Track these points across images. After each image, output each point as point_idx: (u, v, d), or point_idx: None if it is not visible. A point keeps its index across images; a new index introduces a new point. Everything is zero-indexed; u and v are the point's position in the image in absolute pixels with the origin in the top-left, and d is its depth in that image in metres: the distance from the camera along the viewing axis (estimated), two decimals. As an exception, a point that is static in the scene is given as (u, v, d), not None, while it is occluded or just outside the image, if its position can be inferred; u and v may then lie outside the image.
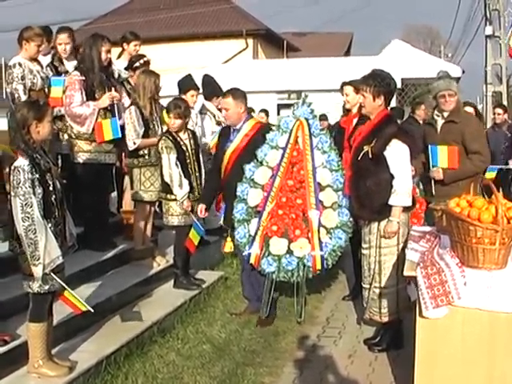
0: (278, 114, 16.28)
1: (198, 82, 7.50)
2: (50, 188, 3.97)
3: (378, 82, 4.75)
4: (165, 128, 6.29)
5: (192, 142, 6.13)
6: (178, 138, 6.01)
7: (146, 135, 6.17)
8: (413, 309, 4.04)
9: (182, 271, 6.18)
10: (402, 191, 4.66)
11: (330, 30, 34.10)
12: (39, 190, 3.85)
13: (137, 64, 6.71)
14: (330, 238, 5.41)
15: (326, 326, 5.57)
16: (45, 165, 3.95)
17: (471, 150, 5.40)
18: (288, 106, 6.61)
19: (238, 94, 5.58)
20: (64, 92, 5.89)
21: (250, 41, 25.30)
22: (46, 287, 3.94)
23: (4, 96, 5.99)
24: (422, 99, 13.05)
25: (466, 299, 3.55)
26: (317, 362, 4.80)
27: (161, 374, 4.53)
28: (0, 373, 4.07)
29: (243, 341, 5.15)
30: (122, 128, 6.06)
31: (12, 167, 3.81)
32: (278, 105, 17.41)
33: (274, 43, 26.01)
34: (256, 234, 5.41)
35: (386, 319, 4.88)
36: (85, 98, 5.96)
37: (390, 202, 4.68)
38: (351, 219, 5.42)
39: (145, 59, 6.77)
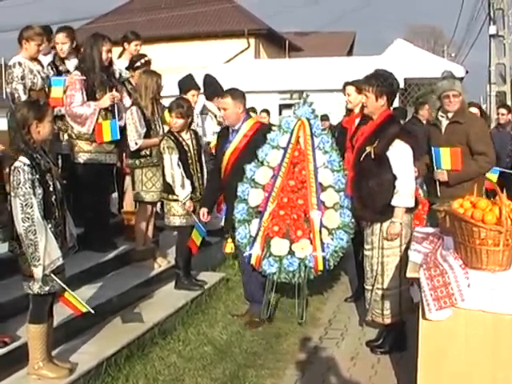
0: (280, 114, 16.26)
1: (199, 81, 7.47)
2: (51, 188, 3.95)
3: (381, 81, 4.72)
4: (166, 128, 6.26)
5: (194, 142, 6.10)
6: (180, 138, 5.98)
7: (147, 135, 6.14)
8: (416, 310, 4.02)
9: (184, 272, 6.16)
10: (405, 192, 4.63)
11: (331, 29, 34.04)
12: (39, 191, 3.83)
13: (138, 64, 6.68)
14: (332, 239, 5.38)
15: (328, 328, 5.55)
16: (45, 165, 3.93)
17: (476, 151, 5.36)
18: (290, 106, 6.59)
19: (237, 94, 5.55)
20: (65, 92, 5.89)
21: (252, 40, 25.24)
22: (46, 288, 3.92)
23: (4, 96, 5.97)
24: (426, 99, 13.00)
25: (469, 301, 3.54)
26: (319, 364, 4.78)
27: (162, 375, 4.51)
28: (0, 374, 4.04)
29: (245, 342, 5.13)
30: (122, 129, 6.04)
31: (12, 167, 3.79)
32: (280, 105, 17.40)
33: (275, 43, 25.96)
34: (257, 234, 5.38)
35: (388, 321, 4.86)
36: (85, 98, 5.94)
37: (393, 203, 4.66)
38: (353, 220, 5.39)
39: (146, 59, 6.75)
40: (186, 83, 7.14)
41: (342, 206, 5.41)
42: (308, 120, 5.57)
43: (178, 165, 5.90)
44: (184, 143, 5.99)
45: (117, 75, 6.53)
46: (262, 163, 5.49)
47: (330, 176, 5.47)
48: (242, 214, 5.44)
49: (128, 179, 6.83)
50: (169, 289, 6.16)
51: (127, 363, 4.59)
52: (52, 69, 6.32)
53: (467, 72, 17.39)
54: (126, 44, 7.05)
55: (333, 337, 5.31)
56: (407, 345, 4.81)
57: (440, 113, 5.57)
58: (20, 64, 5.82)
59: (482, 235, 3.44)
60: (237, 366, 4.66)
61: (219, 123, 7.61)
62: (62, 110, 6.09)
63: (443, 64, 16.09)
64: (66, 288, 4.00)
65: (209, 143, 7.38)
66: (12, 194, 3.78)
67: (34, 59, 5.96)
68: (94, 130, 5.97)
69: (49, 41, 6.38)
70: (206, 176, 6.14)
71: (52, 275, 3.88)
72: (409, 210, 4.74)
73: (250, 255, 5.37)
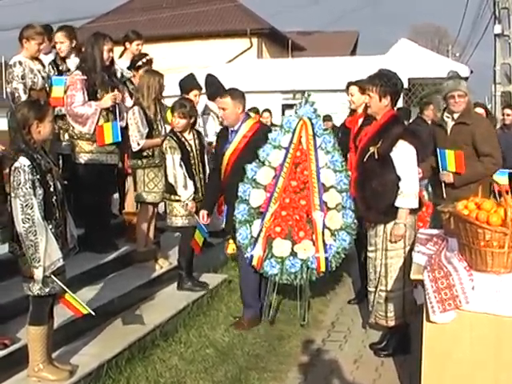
0: (283, 114, 16.23)
1: (201, 81, 7.45)
2: (51, 189, 3.93)
3: (385, 81, 4.70)
4: (168, 128, 6.23)
5: (197, 142, 6.08)
6: (183, 139, 5.96)
7: (149, 136, 6.12)
8: (419, 313, 3.99)
9: (186, 273, 6.13)
10: (409, 193, 4.61)
11: (333, 29, 34.03)
12: (40, 191, 3.81)
13: (139, 63, 6.68)
14: (335, 240, 5.35)
15: (331, 330, 5.52)
16: (45, 165, 3.91)
17: (482, 153, 5.30)
18: (293, 106, 6.58)
19: (237, 94, 5.51)
20: (65, 92, 5.87)
21: (255, 40, 25.23)
22: (47, 290, 3.90)
23: (4, 96, 5.95)
24: (430, 99, 12.98)
25: (474, 303, 3.51)
26: (322, 366, 4.75)
27: (163, 378, 4.48)
28: (0, 376, 4.02)
29: (247, 345, 5.10)
30: (123, 130, 6.01)
31: (12, 168, 3.77)
32: (283, 105, 17.37)
33: (278, 42, 25.95)
34: (259, 235, 5.34)
35: (392, 323, 4.83)
36: (86, 98, 5.91)
37: (397, 204, 4.63)
38: (355, 221, 5.37)
39: (147, 58, 6.74)
40: (188, 83, 7.12)
41: (345, 207, 5.38)
42: (310, 120, 5.53)
43: (181, 165, 5.88)
44: (186, 143, 5.97)
45: (118, 75, 6.51)
46: (263, 163, 5.45)
47: (332, 176, 5.43)
48: (243, 214, 5.39)
49: (130, 180, 6.81)
50: (170, 290, 6.13)
51: (128, 365, 4.56)
52: (53, 68, 6.29)
53: (472, 72, 17.35)
54: (127, 43, 7.01)
55: (336, 339, 5.28)
56: (411, 347, 4.77)
57: (446, 113, 5.52)
58: (20, 63, 5.80)
59: (487, 237, 3.41)
60: (239, 369, 4.63)
61: (221, 123, 7.58)
62: (63, 110, 6.07)
63: (448, 64, 16.05)
64: (67, 289, 3.98)
65: (211, 143, 7.36)
66: (12, 194, 3.76)
67: (35, 58, 5.93)
68: (95, 130, 5.95)
69: (50, 40, 6.35)
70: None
71: (52, 276, 3.86)
72: (413, 212, 4.72)
73: (252, 256, 5.33)
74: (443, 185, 5.41)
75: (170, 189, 5.97)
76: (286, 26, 29.58)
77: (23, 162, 3.76)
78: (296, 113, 5.61)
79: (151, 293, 5.96)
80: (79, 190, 6.04)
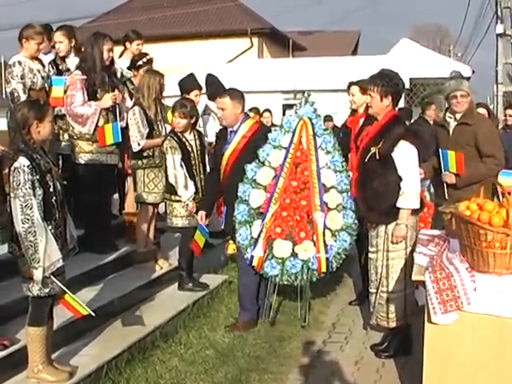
0: (284, 114, 16.18)
1: (202, 81, 7.42)
2: (51, 189, 3.92)
3: (386, 81, 4.68)
4: (168, 128, 6.21)
5: (198, 142, 6.07)
6: (184, 139, 5.95)
7: (149, 136, 6.11)
8: (421, 314, 3.97)
9: (187, 273, 6.12)
10: (410, 193, 4.59)
11: (334, 28, 33.96)
12: (39, 192, 3.80)
13: (140, 62, 6.66)
14: (335, 241, 5.33)
15: (332, 332, 5.50)
16: (45, 165, 3.91)
17: (485, 153, 5.27)
18: (294, 106, 6.56)
19: (236, 95, 5.47)
20: (65, 92, 5.86)
21: (255, 40, 25.17)
22: (46, 290, 3.89)
23: (4, 96, 5.94)
24: (432, 99, 12.97)
25: (475, 305, 3.50)
26: (322, 368, 4.73)
27: (163, 379, 4.47)
28: (-1, 378, 4.02)
29: (247, 346, 5.08)
30: (123, 130, 6.00)
31: (12, 168, 3.76)
32: (284, 105, 17.34)
33: (279, 42, 25.89)
34: (259, 236, 5.31)
35: (393, 324, 4.81)
36: (86, 98, 5.90)
37: (398, 205, 4.61)
38: (356, 221, 5.35)
39: (148, 57, 6.73)
40: (188, 83, 7.11)
41: (345, 207, 5.36)
42: (310, 120, 5.50)
43: (181, 165, 5.87)
44: (187, 143, 5.95)
45: (118, 75, 6.50)
46: (263, 163, 5.42)
47: (332, 177, 5.41)
48: (242, 215, 5.36)
49: (130, 180, 6.79)
50: (170, 291, 6.12)
51: (128, 366, 4.55)
52: (52, 67, 6.28)
53: (474, 72, 17.29)
54: (127, 43, 7.00)
55: (337, 340, 5.26)
56: (412, 349, 4.75)
57: (448, 113, 5.50)
58: (20, 63, 5.78)
59: (489, 238, 3.40)
60: (239, 370, 4.61)
61: (221, 124, 7.57)
62: (63, 110, 6.06)
63: (449, 64, 16.03)
64: (66, 290, 3.97)
65: (211, 144, 7.34)
66: (12, 194, 3.75)
67: (35, 58, 5.92)
68: (94, 130, 5.93)
69: (49, 40, 6.34)
70: (208, 177, 6.09)
71: (52, 277, 3.85)
72: (414, 212, 4.70)
73: (252, 257, 5.30)
74: (445, 185, 5.39)
75: (171, 189, 5.95)
76: (288, 26, 29.62)
77: (23, 162, 3.75)
78: (296, 113, 5.59)
79: (151, 294, 5.94)
80: (79, 191, 6.02)
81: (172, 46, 23.67)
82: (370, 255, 4.89)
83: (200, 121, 7.22)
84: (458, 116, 5.38)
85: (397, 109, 4.96)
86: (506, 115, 9.26)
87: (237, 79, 10.12)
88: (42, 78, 5.90)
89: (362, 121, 5.73)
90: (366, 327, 5.48)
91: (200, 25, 25.46)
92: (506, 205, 3.47)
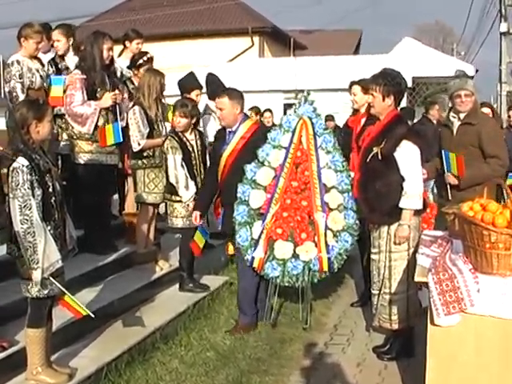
0: (285, 113, 16.19)
1: (202, 80, 7.39)
2: (50, 189, 3.90)
3: (388, 81, 4.65)
4: (168, 126, 6.19)
5: (199, 142, 6.05)
6: (184, 139, 5.93)
7: (150, 136, 6.08)
8: (424, 315, 3.94)
9: (188, 274, 6.09)
10: (413, 193, 4.55)
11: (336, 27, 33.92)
12: (38, 192, 3.79)
13: (141, 61, 6.64)
14: (337, 242, 5.30)
15: (334, 333, 5.47)
16: (44, 165, 3.89)
17: (489, 154, 5.23)
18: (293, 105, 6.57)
19: (235, 95, 5.41)
20: (65, 91, 5.83)
21: (256, 38, 25.08)
22: (45, 292, 3.87)
23: (2, 95, 5.91)
24: (434, 99, 12.92)
25: (479, 306, 3.46)
26: (324, 370, 4.71)
27: (163, 381, 4.45)
28: (-2, 380, 4.01)
29: (248, 348, 5.05)
30: (124, 130, 5.97)
31: (11, 168, 3.74)
32: (285, 104, 17.33)
33: (280, 41, 25.82)
34: (260, 237, 5.26)
35: (396, 326, 4.77)
36: (86, 98, 5.88)
37: (401, 205, 4.58)
38: (357, 222, 5.32)
39: (148, 56, 6.71)
40: (189, 82, 7.08)
41: (346, 208, 5.33)
42: (310, 119, 5.46)
43: (182, 165, 5.85)
44: (188, 143, 5.93)
45: (118, 74, 6.47)
46: (262, 163, 5.37)
47: (333, 176, 5.37)
48: (242, 216, 5.30)
49: (130, 180, 6.77)
50: (171, 292, 6.10)
51: (128, 368, 4.52)
52: (51, 66, 6.26)
53: (477, 71, 17.27)
54: (127, 42, 6.98)
55: (338, 342, 5.24)
56: (415, 351, 4.73)
57: (452, 113, 5.46)
58: (18, 62, 5.75)
59: (493, 239, 3.36)
60: (240, 372, 4.58)
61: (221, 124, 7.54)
62: (62, 110, 6.03)
63: (452, 63, 16.02)
64: (66, 291, 3.95)
65: (211, 144, 7.31)
66: (10, 195, 3.74)
67: (34, 57, 5.89)
68: (94, 130, 5.91)
69: (48, 39, 6.31)
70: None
71: (51, 278, 3.83)
72: (417, 213, 4.66)
73: (253, 258, 5.25)
74: (448, 186, 5.36)
75: (171, 189, 5.93)
76: (288, 26, 29.53)
77: (22, 162, 3.73)
78: (295, 112, 5.54)
79: (151, 295, 5.92)
80: (78, 191, 6.00)
81: (172, 45, 23.61)
82: (373, 256, 4.86)
83: (200, 121, 7.21)
84: (462, 116, 5.34)
85: (399, 108, 4.94)
86: (509, 116, 9.20)
87: (237, 78, 10.13)
88: (41, 77, 5.87)
89: (363, 120, 5.70)
90: (368, 329, 5.46)
91: (200, 23, 25.38)
92: (509, 205, 3.44)
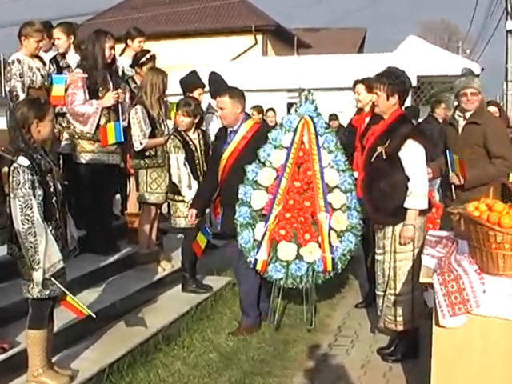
0: (289, 113, 16.15)
1: (205, 79, 7.36)
2: (51, 189, 3.89)
3: (393, 79, 4.61)
4: (170, 124, 6.16)
5: (202, 141, 6.02)
6: (187, 138, 5.90)
7: (152, 135, 6.05)
8: (429, 316, 3.91)
9: (190, 274, 6.07)
10: (418, 193, 4.52)
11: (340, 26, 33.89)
12: (39, 192, 3.77)
13: (143, 59, 6.62)
14: (341, 242, 5.27)
15: (338, 335, 5.44)
16: (45, 165, 3.88)
17: (494, 154, 5.17)
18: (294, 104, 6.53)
19: (236, 94, 5.36)
20: (66, 90, 5.82)
21: (260, 37, 25.00)
22: (47, 292, 3.86)
23: (3, 94, 5.89)
24: (439, 97, 12.88)
25: (485, 307, 3.43)
26: (328, 372, 4.68)
27: (166, 383, 4.43)
28: (-1, 381, 4.00)
29: (251, 349, 5.02)
30: (125, 129, 5.95)
31: (11, 168, 3.73)
32: (288, 103, 17.29)
33: (284, 39, 25.75)
34: (263, 238, 5.21)
35: (401, 327, 4.74)
36: (88, 97, 5.86)
37: (406, 205, 4.54)
38: (360, 222, 5.29)
39: (151, 54, 6.69)
40: (191, 81, 7.05)
41: (350, 208, 5.29)
42: (311, 118, 5.42)
43: (185, 165, 5.82)
44: (191, 143, 5.90)
45: (120, 73, 6.45)
46: (264, 164, 5.31)
47: (336, 176, 5.33)
48: (244, 217, 5.24)
49: (132, 180, 6.75)
50: (173, 293, 6.07)
51: (130, 370, 4.51)
52: (53, 64, 6.25)
53: (483, 69, 17.21)
54: (129, 41, 6.96)
55: (343, 344, 5.20)
56: (420, 352, 4.70)
57: (457, 112, 5.41)
58: (19, 61, 5.71)
59: (499, 239, 3.33)
60: (243, 374, 4.56)
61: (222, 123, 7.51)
62: (64, 109, 6.01)
63: (457, 61, 15.95)
64: (67, 292, 3.94)
65: (213, 143, 7.28)
66: (11, 195, 3.73)
67: (35, 56, 5.86)
68: (96, 129, 5.89)
69: (49, 37, 6.30)
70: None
71: (52, 279, 3.81)
72: (422, 213, 4.62)
73: (256, 260, 5.21)
74: (453, 186, 5.31)
75: (174, 189, 5.91)
76: (291, 24, 29.52)
77: (22, 161, 3.72)
78: (296, 111, 5.50)
79: (153, 296, 5.89)
80: (80, 191, 5.99)
81: (175, 44, 23.60)
82: (377, 257, 4.83)
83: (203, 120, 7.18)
84: (468, 114, 5.28)
85: (403, 107, 4.90)
86: None
87: (241, 77, 10.10)
88: (42, 76, 5.83)
89: (367, 120, 5.66)
90: (372, 330, 5.43)
91: (203, 22, 25.36)
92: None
